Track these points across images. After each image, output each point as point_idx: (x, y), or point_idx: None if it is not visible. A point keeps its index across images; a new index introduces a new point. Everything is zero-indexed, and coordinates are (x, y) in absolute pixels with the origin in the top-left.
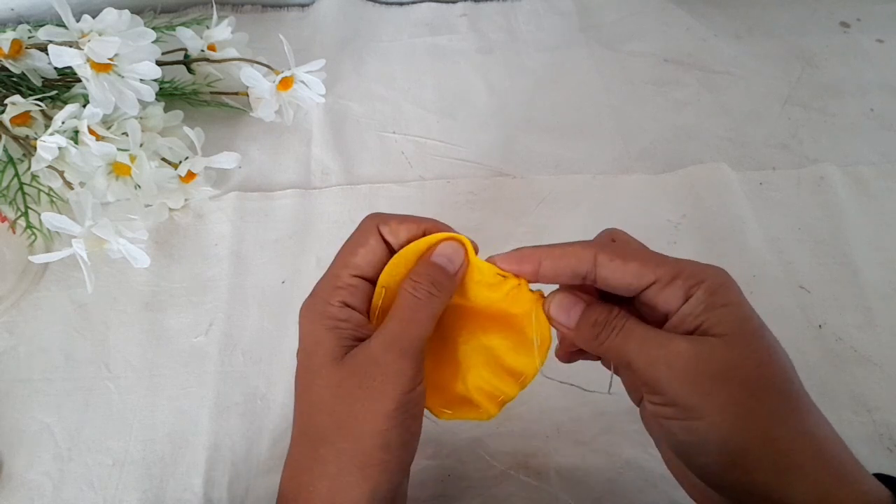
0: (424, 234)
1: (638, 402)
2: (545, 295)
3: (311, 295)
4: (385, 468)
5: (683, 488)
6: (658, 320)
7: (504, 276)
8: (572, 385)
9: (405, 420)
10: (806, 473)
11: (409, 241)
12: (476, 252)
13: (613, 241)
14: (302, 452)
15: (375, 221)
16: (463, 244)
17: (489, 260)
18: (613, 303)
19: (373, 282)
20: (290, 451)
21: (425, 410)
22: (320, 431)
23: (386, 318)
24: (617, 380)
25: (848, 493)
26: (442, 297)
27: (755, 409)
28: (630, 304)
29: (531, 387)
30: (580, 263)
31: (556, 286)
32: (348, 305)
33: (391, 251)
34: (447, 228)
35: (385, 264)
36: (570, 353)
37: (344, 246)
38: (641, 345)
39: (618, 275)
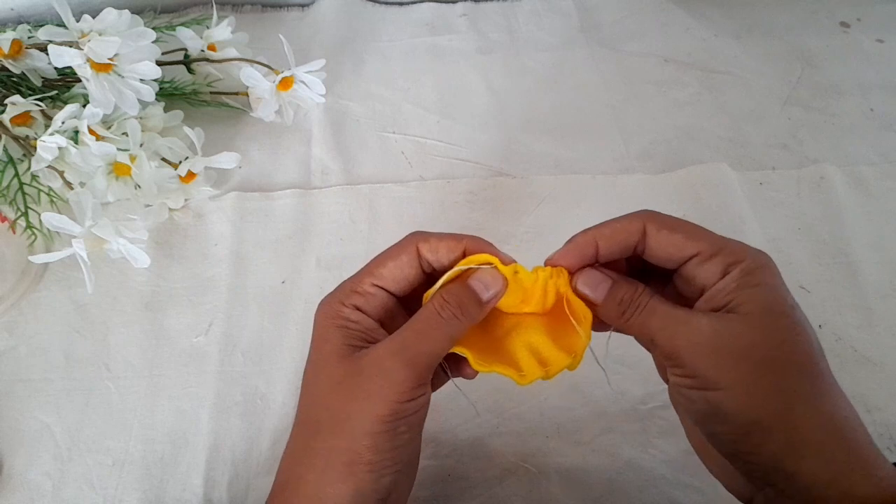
0: (464, 253)
1: (666, 379)
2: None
3: (329, 293)
4: (372, 469)
5: (703, 461)
6: (695, 295)
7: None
8: (602, 368)
9: (398, 427)
10: (820, 451)
11: (448, 259)
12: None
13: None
14: (297, 443)
15: (416, 239)
16: (504, 276)
17: (549, 262)
18: (647, 279)
19: (394, 295)
20: (288, 440)
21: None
22: (315, 424)
23: (403, 326)
24: (617, 377)
25: (861, 476)
26: (465, 321)
27: (772, 385)
28: (668, 281)
29: (531, 386)
30: (630, 236)
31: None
32: (360, 310)
33: (426, 271)
34: (488, 246)
35: (412, 284)
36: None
37: (377, 255)
38: (664, 321)
39: (663, 244)
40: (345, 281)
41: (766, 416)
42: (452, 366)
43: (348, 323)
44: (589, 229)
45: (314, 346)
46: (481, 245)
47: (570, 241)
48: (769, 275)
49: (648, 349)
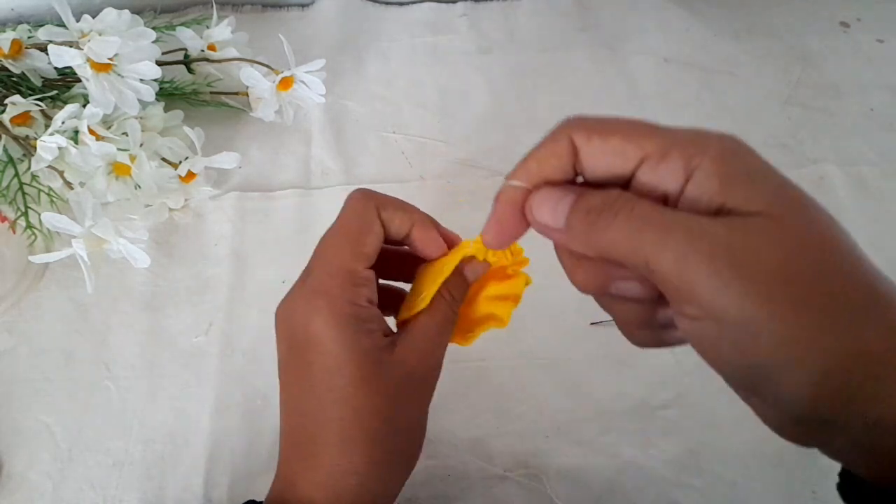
0: (412, 226)
1: (639, 331)
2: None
3: (323, 293)
4: (416, 460)
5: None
6: None
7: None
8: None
9: None
10: None
11: (400, 230)
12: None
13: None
14: (345, 456)
15: (374, 204)
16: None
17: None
18: None
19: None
20: (327, 460)
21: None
22: (370, 435)
23: (424, 324)
24: (617, 377)
25: None
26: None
27: (833, 312)
28: None
29: (530, 386)
30: (560, 159)
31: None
32: (371, 303)
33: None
34: (431, 220)
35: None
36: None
37: (344, 230)
38: (663, 233)
39: (598, 156)
40: (327, 274)
41: (839, 358)
42: None
43: (371, 326)
44: (515, 172)
45: (336, 356)
46: (425, 219)
47: (496, 201)
48: (752, 158)
49: (638, 279)
